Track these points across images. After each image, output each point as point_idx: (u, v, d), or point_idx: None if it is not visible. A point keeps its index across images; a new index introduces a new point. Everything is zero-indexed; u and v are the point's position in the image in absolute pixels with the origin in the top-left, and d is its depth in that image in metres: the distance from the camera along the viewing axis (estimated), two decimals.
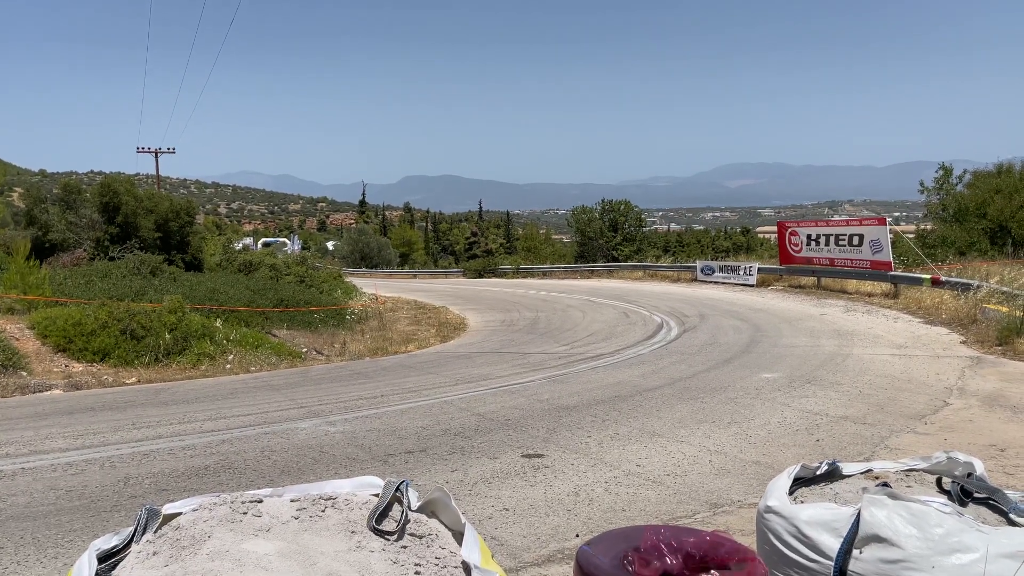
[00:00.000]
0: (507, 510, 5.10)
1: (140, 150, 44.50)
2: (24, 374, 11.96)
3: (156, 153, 44.21)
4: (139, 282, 19.75)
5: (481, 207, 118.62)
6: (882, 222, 24.12)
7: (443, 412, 8.77)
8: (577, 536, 4.58)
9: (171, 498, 5.36)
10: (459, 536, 2.25)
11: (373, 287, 34.21)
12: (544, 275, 44.77)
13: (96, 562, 2.11)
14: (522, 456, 6.54)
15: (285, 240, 74.01)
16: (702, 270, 32.97)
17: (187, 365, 13.51)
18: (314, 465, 6.32)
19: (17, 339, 13.15)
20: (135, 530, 2.27)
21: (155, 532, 2.28)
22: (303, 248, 63.69)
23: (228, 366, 13.85)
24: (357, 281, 37.07)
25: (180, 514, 2.35)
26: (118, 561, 2.19)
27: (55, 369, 12.54)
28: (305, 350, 16.83)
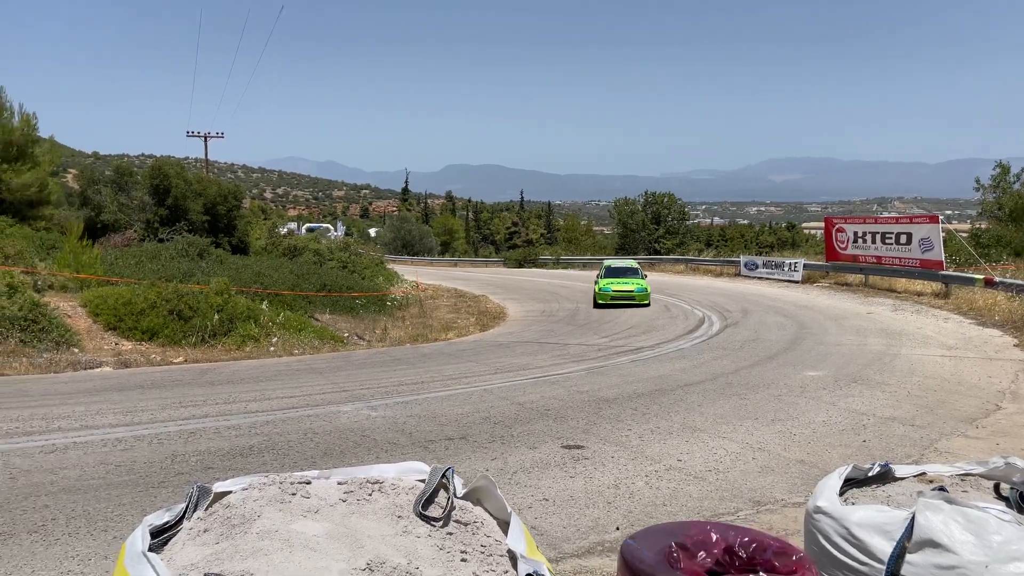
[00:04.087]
0: (547, 500, 5.09)
1: (190, 134, 45.30)
2: (76, 351, 12.28)
3: (205, 137, 44.97)
4: (187, 264, 20.15)
5: (523, 197, 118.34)
6: (934, 220, 23.50)
7: (483, 400, 8.79)
8: (618, 529, 4.55)
9: (217, 476, 5.46)
10: (504, 525, 2.24)
11: (414, 274, 34.43)
12: (585, 266, 44.60)
13: (149, 537, 2.14)
14: (562, 447, 6.52)
15: (329, 226, 74.79)
16: (746, 265, 32.52)
17: (232, 346, 13.75)
18: (356, 448, 6.38)
19: (70, 317, 13.51)
20: (186, 507, 2.31)
21: (206, 510, 2.31)
22: (346, 234, 64.30)
23: (272, 348, 14.06)
24: (398, 268, 37.34)
25: (230, 492, 2.37)
26: (170, 537, 2.22)
27: (105, 347, 12.86)
28: (347, 335, 17.01)
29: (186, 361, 12.49)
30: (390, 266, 35.63)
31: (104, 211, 25.87)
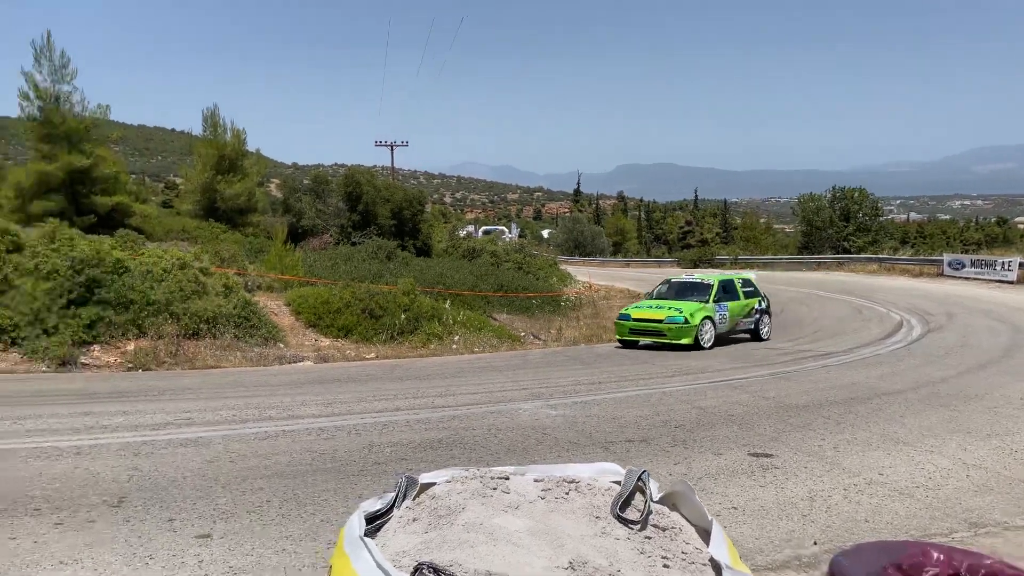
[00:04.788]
0: (735, 509, 4.91)
1: (378, 144, 48.22)
2: (281, 346, 13.39)
3: (391, 146, 47.62)
4: (376, 265, 21.40)
5: (696, 195, 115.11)
6: None
7: (662, 403, 8.65)
8: (815, 544, 4.31)
9: (410, 467, 5.74)
10: (703, 532, 2.18)
11: (587, 275, 34.51)
12: (764, 266, 42.76)
13: (364, 523, 2.29)
14: (749, 454, 6.27)
15: (504, 228, 76.61)
16: (950, 264, 29.83)
17: (418, 344, 14.44)
18: (538, 446, 6.48)
19: (276, 314, 14.75)
20: (396, 496, 2.44)
21: (414, 499, 2.43)
22: (520, 236, 65.61)
23: (454, 346, 14.62)
24: (571, 269, 37.57)
25: (435, 484, 2.48)
26: (382, 524, 2.36)
27: (306, 343, 13.92)
28: (523, 334, 17.35)
29: (377, 357, 13.27)
30: (563, 267, 35.93)
31: (304, 217, 28.08)
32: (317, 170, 49.20)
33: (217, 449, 6.25)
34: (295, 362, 12.45)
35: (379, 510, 2.40)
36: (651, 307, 15.30)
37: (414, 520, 2.30)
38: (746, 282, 16.46)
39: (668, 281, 17.10)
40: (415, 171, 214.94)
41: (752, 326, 15.90)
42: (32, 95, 25.90)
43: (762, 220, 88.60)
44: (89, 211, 25.01)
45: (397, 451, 6.26)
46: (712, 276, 16.77)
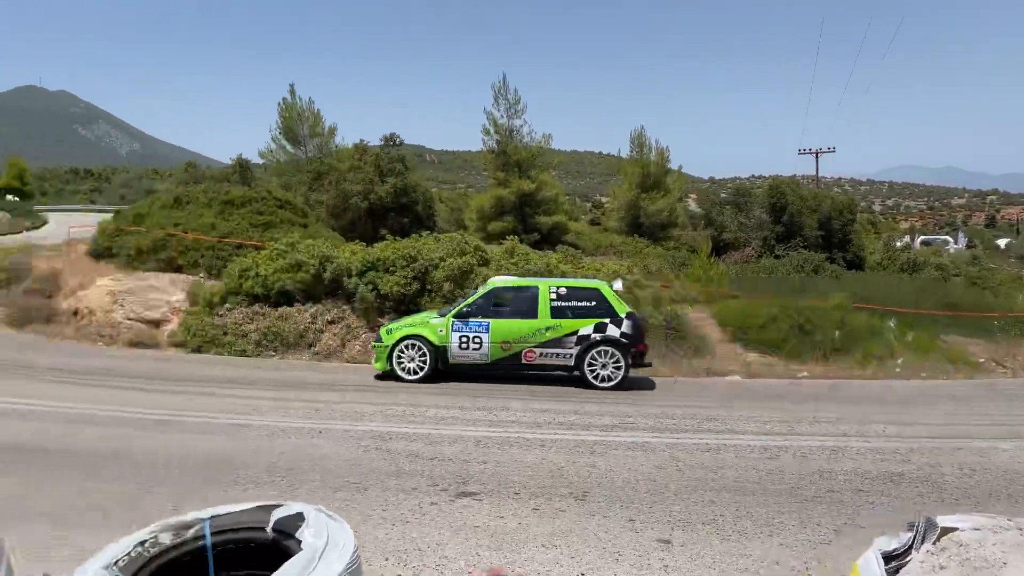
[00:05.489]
0: None
1: (801, 152, 46.05)
2: (709, 358, 13.46)
3: (816, 154, 45.11)
4: (801, 279, 20.40)
5: None
6: None
7: None
8: None
9: (871, 500, 5.29)
10: None
11: None
12: None
13: (883, 562, 2.12)
14: None
15: (948, 238, 67.36)
16: None
17: (854, 364, 13.35)
18: None
19: (702, 326, 14.88)
20: (914, 537, 2.22)
21: (934, 543, 2.19)
22: (968, 246, 57.03)
23: (897, 369, 13.22)
24: None
25: (956, 529, 2.21)
26: (899, 565, 2.16)
27: (732, 356, 13.78)
28: (982, 360, 15.00)
29: (809, 375, 12.59)
30: None
31: (725, 230, 28.06)
32: (735, 182, 48.71)
33: (663, 456, 6.46)
34: (722, 375, 12.41)
35: (895, 550, 2.22)
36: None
37: (941, 568, 2.07)
38: (579, 293, 10.79)
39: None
40: (838, 178, 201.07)
41: (569, 360, 10.55)
42: (492, 130, 30.24)
43: None
44: (534, 229, 28.26)
45: (852, 481, 5.79)
46: (494, 281, 11.41)
